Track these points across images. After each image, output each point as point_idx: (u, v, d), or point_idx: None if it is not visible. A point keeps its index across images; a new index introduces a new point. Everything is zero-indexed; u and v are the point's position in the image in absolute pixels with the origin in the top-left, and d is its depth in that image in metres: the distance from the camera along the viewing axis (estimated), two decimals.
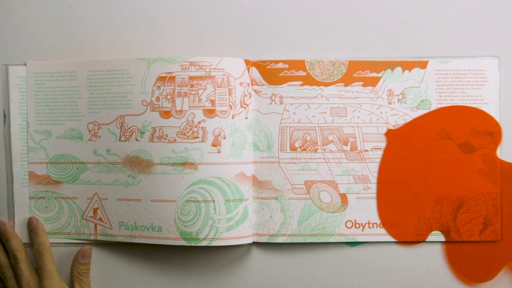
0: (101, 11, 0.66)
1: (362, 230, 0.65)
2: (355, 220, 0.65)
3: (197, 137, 0.63)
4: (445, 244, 0.65)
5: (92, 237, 0.65)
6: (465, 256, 0.64)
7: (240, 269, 0.66)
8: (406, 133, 0.65)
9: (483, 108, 0.65)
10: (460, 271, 0.64)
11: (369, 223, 0.65)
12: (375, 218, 0.65)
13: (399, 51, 0.65)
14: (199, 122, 0.63)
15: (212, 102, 0.63)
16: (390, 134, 0.64)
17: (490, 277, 0.64)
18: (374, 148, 0.65)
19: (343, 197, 0.65)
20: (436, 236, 0.64)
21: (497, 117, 0.65)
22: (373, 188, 0.65)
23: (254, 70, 0.65)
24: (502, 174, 0.64)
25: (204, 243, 0.62)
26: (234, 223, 0.63)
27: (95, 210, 0.65)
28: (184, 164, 0.63)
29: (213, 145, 0.63)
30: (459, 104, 0.65)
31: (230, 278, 0.66)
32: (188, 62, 0.63)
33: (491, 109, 0.65)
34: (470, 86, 0.65)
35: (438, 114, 0.65)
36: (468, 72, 0.65)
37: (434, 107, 0.65)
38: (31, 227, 0.65)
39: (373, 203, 0.65)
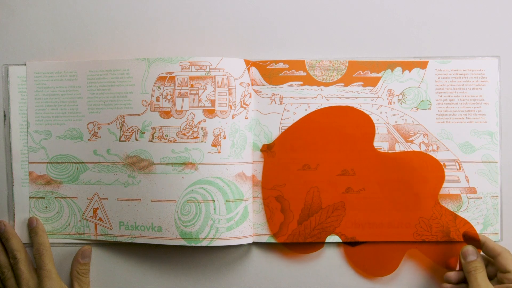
0: (101, 11, 0.66)
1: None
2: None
3: (197, 137, 0.63)
4: (342, 246, 0.65)
5: (92, 237, 0.65)
6: (363, 254, 0.64)
7: (240, 269, 0.66)
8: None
9: (483, 108, 0.65)
10: (362, 269, 0.64)
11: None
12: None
13: (399, 51, 0.65)
14: (199, 122, 0.63)
15: (212, 102, 0.63)
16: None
17: (393, 268, 0.64)
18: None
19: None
20: (333, 237, 0.64)
21: (497, 117, 0.65)
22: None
23: (254, 70, 0.65)
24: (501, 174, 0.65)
25: (204, 243, 0.62)
26: (234, 223, 0.63)
27: (95, 210, 0.65)
28: (184, 164, 0.63)
29: (213, 145, 0.63)
30: (460, 104, 0.65)
31: (230, 278, 0.66)
32: (188, 62, 0.63)
33: (491, 109, 0.65)
34: (470, 86, 0.65)
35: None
36: (468, 72, 0.65)
37: (434, 107, 0.65)
38: (31, 227, 0.65)
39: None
